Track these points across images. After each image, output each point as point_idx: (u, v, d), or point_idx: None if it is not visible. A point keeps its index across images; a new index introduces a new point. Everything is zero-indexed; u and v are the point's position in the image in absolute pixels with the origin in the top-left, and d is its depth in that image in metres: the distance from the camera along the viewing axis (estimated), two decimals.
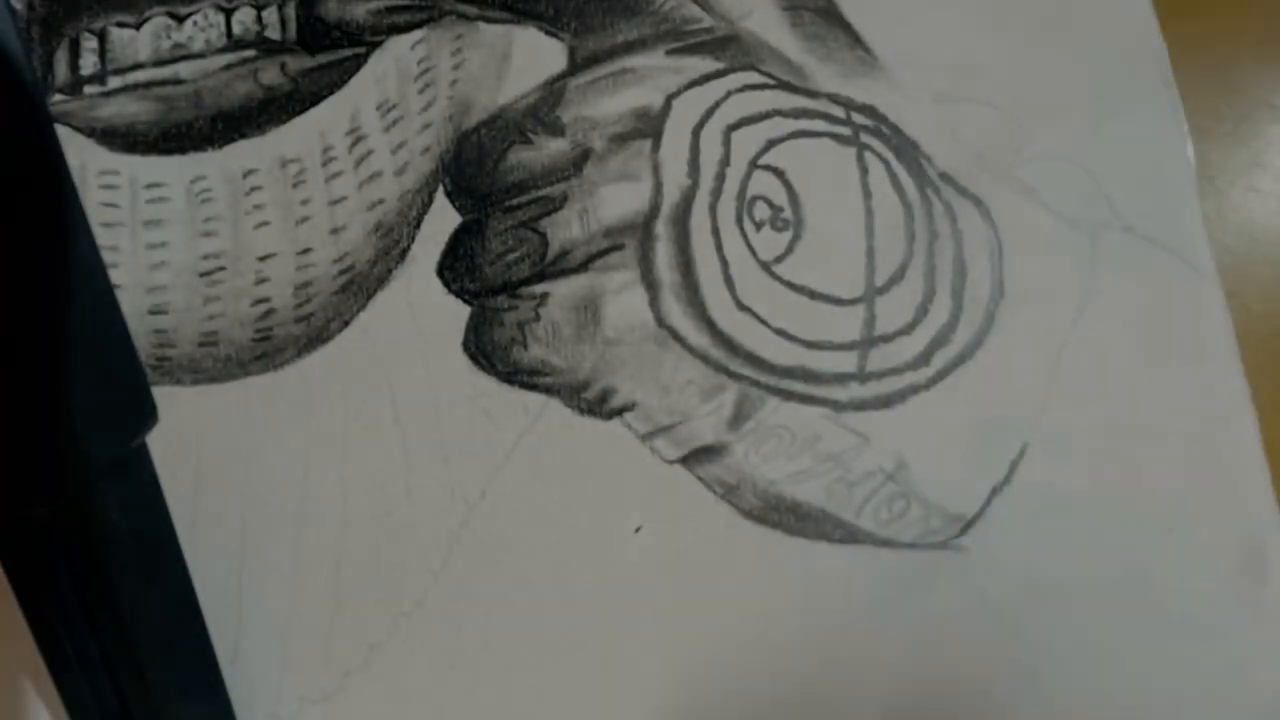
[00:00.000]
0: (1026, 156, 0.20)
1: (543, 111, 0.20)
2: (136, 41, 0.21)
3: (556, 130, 0.20)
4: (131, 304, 0.19)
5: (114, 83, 0.21)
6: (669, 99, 0.20)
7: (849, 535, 0.18)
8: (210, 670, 0.17)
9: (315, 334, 0.19)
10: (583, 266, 0.19)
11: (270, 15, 0.21)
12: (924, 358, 0.19)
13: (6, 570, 0.15)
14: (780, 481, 0.18)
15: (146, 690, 0.16)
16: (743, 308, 0.19)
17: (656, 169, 0.20)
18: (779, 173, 0.20)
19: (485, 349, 0.19)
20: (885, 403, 0.18)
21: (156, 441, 0.19)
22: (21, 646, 0.16)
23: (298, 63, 0.21)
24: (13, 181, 0.16)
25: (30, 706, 0.17)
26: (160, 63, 0.21)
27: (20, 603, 0.15)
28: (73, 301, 0.16)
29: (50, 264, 0.16)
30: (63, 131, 0.20)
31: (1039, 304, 0.19)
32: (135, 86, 0.21)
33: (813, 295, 0.19)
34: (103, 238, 0.20)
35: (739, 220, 0.19)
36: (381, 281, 0.20)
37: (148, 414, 0.17)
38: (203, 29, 0.21)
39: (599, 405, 0.19)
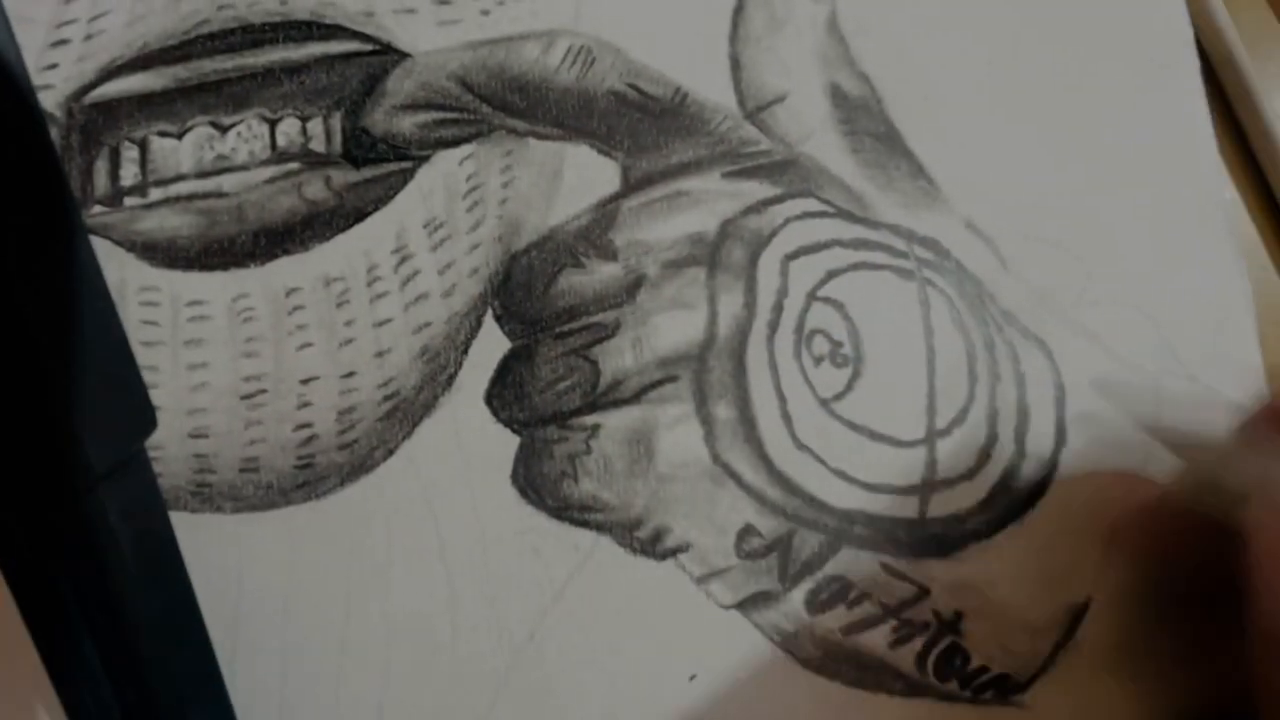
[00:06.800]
0: (1090, 299, 0.20)
1: (595, 234, 0.21)
2: (179, 152, 0.22)
3: (609, 254, 0.21)
4: (171, 427, 0.20)
5: (155, 194, 0.22)
6: (725, 224, 0.21)
7: (909, 688, 0.19)
8: (211, 674, 0.18)
9: (359, 462, 0.20)
10: (635, 398, 0.20)
11: (315, 127, 0.22)
12: (986, 504, 0.19)
13: (6, 575, 0.16)
14: (839, 630, 0.19)
15: (148, 695, 0.17)
16: (801, 446, 0.19)
17: (712, 298, 0.20)
18: (839, 305, 0.20)
19: (535, 482, 0.20)
20: (946, 551, 0.19)
21: (198, 570, 0.20)
22: (23, 652, 0.16)
23: (343, 176, 0.22)
24: (11, 188, 0.16)
25: (32, 710, 0.17)
26: (203, 174, 0.22)
27: (20, 608, 0.16)
28: (72, 309, 0.17)
29: (50, 272, 0.17)
30: (102, 245, 0.21)
31: (1103, 451, 0.19)
32: (177, 199, 0.22)
33: (873, 436, 0.20)
34: (143, 357, 0.20)
35: (797, 354, 0.20)
36: (427, 409, 0.20)
37: (147, 420, 0.18)
38: (246, 140, 0.22)
39: (652, 545, 0.19)
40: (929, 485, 0.20)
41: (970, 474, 0.20)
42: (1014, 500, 0.20)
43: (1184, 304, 0.21)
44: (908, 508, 0.20)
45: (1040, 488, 0.20)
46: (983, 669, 0.20)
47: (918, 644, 0.20)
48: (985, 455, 0.21)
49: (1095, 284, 0.21)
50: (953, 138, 0.22)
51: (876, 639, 0.20)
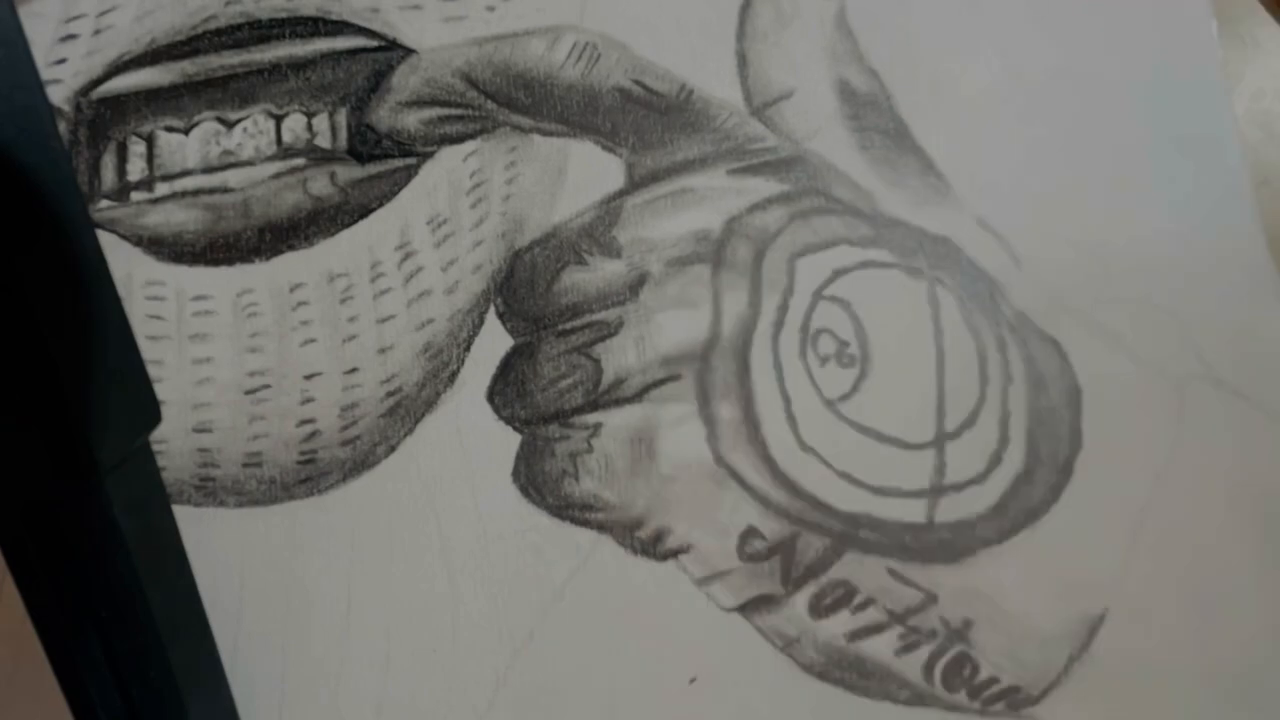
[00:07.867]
0: (1109, 298, 0.20)
1: (599, 231, 0.21)
2: (185, 147, 0.22)
3: (613, 251, 0.21)
4: (176, 421, 0.20)
5: (162, 189, 0.22)
6: (730, 222, 0.20)
7: (915, 697, 0.18)
8: (213, 668, 0.18)
9: (361, 458, 0.20)
10: (638, 396, 0.20)
11: (321, 123, 0.22)
12: (997, 510, 0.19)
13: (12, 569, 0.16)
14: (843, 636, 0.18)
15: (150, 688, 0.17)
16: (806, 448, 0.19)
17: (716, 296, 0.20)
18: (845, 305, 0.20)
19: (536, 480, 0.20)
20: (955, 557, 0.19)
21: (201, 564, 0.20)
22: (28, 645, 0.16)
23: (347, 172, 0.22)
24: (18, 183, 0.16)
25: (38, 703, 0.18)
26: (209, 170, 0.22)
27: (25, 601, 0.16)
28: (79, 303, 0.17)
29: (57, 266, 0.17)
30: (109, 239, 0.21)
31: (1120, 457, 0.19)
32: (183, 194, 0.22)
33: (880, 438, 0.19)
34: (148, 351, 0.21)
35: (802, 354, 0.20)
36: (429, 405, 0.20)
37: (151, 414, 0.18)
38: (252, 135, 0.22)
39: (653, 545, 0.19)
40: (937, 489, 0.20)
41: (980, 478, 0.20)
42: (1026, 506, 0.20)
43: (1210, 301, 0.21)
44: (915, 512, 0.20)
45: (1054, 493, 0.20)
46: (993, 680, 0.19)
47: (924, 652, 0.19)
48: (996, 459, 0.20)
49: (1114, 282, 0.21)
50: (963, 133, 0.22)
51: (881, 646, 0.19)
